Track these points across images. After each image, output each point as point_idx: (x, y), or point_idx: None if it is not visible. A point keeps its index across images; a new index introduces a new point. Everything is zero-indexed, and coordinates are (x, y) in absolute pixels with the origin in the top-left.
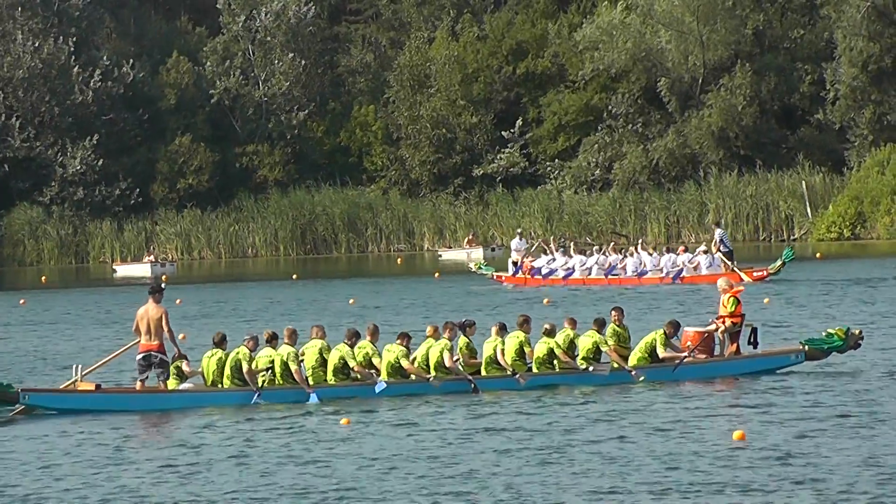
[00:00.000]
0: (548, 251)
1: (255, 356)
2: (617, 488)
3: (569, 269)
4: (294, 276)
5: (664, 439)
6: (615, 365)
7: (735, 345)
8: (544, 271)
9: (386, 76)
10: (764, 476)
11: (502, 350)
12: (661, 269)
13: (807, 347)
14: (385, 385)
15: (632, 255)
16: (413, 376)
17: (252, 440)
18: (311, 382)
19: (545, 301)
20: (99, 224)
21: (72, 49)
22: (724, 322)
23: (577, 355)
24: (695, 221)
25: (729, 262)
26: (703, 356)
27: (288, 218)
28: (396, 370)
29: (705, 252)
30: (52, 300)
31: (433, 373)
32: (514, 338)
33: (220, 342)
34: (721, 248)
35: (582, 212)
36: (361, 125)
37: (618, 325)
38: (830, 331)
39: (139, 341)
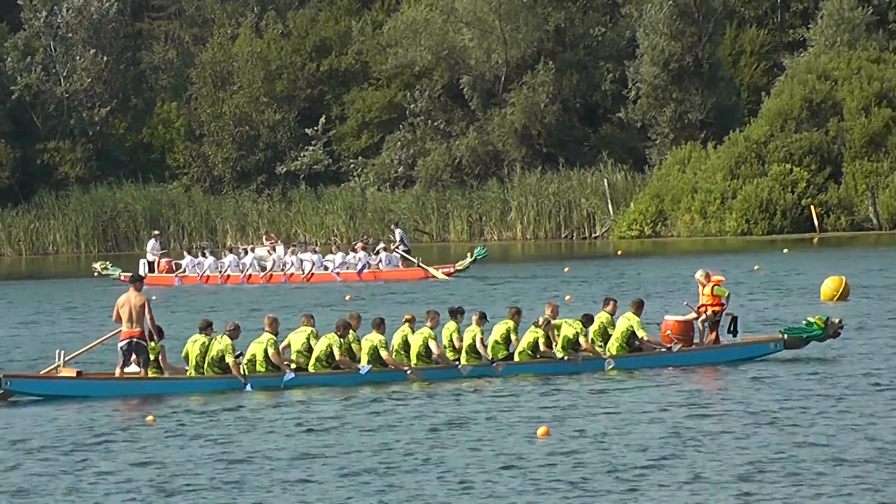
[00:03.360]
0: (190, 254)
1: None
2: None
3: (220, 268)
4: (95, 274)
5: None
6: (590, 354)
7: (715, 333)
8: (189, 272)
9: (189, 73)
10: (566, 470)
11: (481, 339)
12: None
13: (786, 336)
14: (369, 367)
15: (294, 254)
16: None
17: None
18: (293, 367)
19: (347, 297)
20: None
21: None
22: (704, 311)
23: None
24: (497, 219)
25: (412, 259)
26: (682, 345)
27: (89, 215)
28: (376, 359)
29: (384, 250)
30: None
31: (414, 361)
32: (503, 325)
33: (206, 328)
34: (401, 246)
35: (385, 209)
36: (164, 122)
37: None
38: (810, 319)
39: (121, 329)
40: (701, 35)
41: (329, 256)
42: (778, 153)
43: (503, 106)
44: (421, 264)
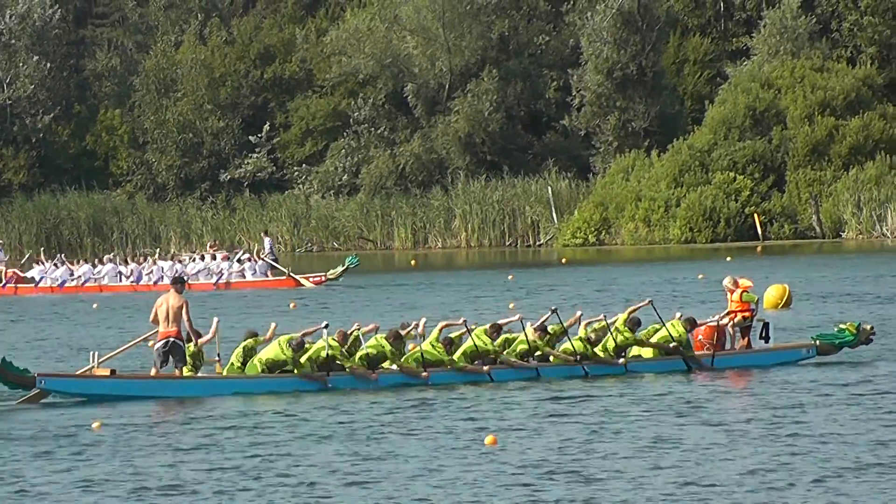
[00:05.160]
0: (42, 262)
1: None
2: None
3: (64, 278)
4: None
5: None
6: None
7: (746, 339)
8: (38, 280)
9: (132, 80)
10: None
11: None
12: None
13: (818, 342)
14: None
15: (154, 262)
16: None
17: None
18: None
19: (291, 305)
20: None
21: None
22: (734, 317)
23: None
24: (442, 227)
25: (283, 268)
26: (713, 350)
27: (32, 222)
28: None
29: (249, 259)
30: None
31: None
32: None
33: (254, 334)
34: (269, 255)
35: (329, 217)
36: (107, 129)
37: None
38: (842, 326)
39: (157, 330)
40: (644, 43)
41: (190, 265)
42: (721, 161)
43: (447, 114)
44: (291, 273)
